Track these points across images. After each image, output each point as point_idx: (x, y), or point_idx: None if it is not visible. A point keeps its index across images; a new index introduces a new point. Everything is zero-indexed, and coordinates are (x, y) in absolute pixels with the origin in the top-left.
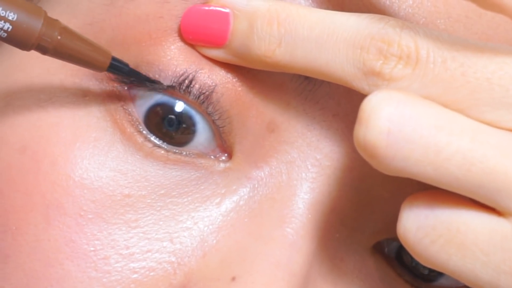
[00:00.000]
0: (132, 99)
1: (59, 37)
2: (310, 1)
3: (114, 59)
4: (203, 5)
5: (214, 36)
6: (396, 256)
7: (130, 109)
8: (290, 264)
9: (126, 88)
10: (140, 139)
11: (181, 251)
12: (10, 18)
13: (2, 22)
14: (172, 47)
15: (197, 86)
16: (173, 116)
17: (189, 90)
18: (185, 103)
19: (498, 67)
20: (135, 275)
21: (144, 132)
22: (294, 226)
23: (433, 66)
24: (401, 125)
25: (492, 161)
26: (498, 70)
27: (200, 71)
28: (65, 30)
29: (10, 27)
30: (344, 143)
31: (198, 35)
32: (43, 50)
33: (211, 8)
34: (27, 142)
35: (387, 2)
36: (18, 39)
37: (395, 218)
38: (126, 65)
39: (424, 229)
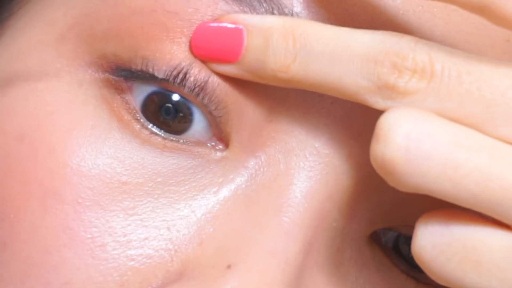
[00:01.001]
0: (129, 88)
1: None
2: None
3: None
4: (215, 21)
5: (227, 52)
6: (393, 246)
7: (127, 98)
8: (286, 252)
9: (122, 78)
10: (137, 127)
11: (178, 239)
12: None
13: None
14: (165, 42)
15: (191, 79)
16: (170, 105)
17: (183, 83)
18: (180, 95)
19: None
20: (132, 263)
21: (141, 120)
22: (290, 215)
23: (448, 80)
24: (419, 142)
25: (510, 178)
26: None
27: (194, 64)
28: None
29: None
30: (342, 130)
31: (210, 51)
32: None
33: (223, 24)
34: (24, 131)
35: None
36: None
37: (392, 207)
38: None
39: (439, 246)
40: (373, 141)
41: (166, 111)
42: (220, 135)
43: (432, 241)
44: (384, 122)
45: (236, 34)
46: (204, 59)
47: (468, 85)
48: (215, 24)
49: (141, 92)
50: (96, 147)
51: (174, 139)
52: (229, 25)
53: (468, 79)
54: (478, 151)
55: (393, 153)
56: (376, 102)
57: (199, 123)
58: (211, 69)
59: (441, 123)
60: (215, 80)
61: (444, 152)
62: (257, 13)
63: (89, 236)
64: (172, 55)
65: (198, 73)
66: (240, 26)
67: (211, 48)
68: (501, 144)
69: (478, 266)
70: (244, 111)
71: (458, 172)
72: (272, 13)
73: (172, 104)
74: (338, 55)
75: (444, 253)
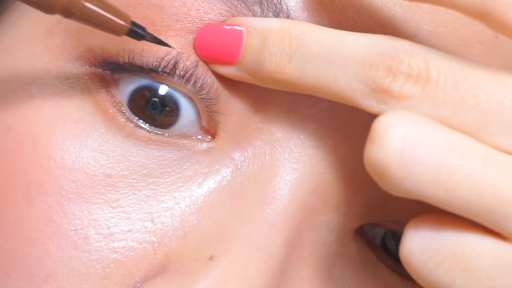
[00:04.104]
0: (116, 82)
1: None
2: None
3: (134, 24)
4: (219, 23)
5: (227, 53)
6: (381, 243)
7: (113, 92)
8: (269, 245)
9: (108, 72)
10: (122, 120)
11: (162, 231)
12: None
13: None
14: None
15: (180, 66)
16: (156, 99)
17: (173, 72)
18: (168, 86)
19: (510, 90)
20: (115, 255)
21: (126, 113)
22: (274, 207)
23: (443, 86)
24: (414, 146)
25: (503, 186)
26: (510, 93)
27: (181, 53)
28: None
29: None
30: (329, 122)
31: (212, 52)
32: (67, 13)
33: (225, 26)
34: (10, 123)
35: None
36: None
37: (378, 202)
38: (144, 29)
39: (428, 252)
40: (368, 143)
41: (153, 105)
42: (208, 125)
43: (421, 246)
44: (379, 125)
45: (236, 36)
46: (207, 60)
47: (464, 92)
48: (219, 26)
49: (127, 86)
50: (80, 140)
51: (159, 132)
52: (230, 27)
53: (464, 86)
54: (472, 158)
55: (387, 156)
56: (371, 105)
57: (185, 117)
58: (214, 70)
59: (436, 128)
60: (203, 67)
61: (438, 158)
62: (244, 11)
63: (72, 228)
64: (159, 46)
65: (186, 60)
66: (241, 28)
67: (213, 49)
68: (496, 152)
69: (467, 273)
70: (232, 99)
71: (452, 178)
72: (267, 15)
73: (159, 98)
74: (333, 57)
75: (433, 258)
